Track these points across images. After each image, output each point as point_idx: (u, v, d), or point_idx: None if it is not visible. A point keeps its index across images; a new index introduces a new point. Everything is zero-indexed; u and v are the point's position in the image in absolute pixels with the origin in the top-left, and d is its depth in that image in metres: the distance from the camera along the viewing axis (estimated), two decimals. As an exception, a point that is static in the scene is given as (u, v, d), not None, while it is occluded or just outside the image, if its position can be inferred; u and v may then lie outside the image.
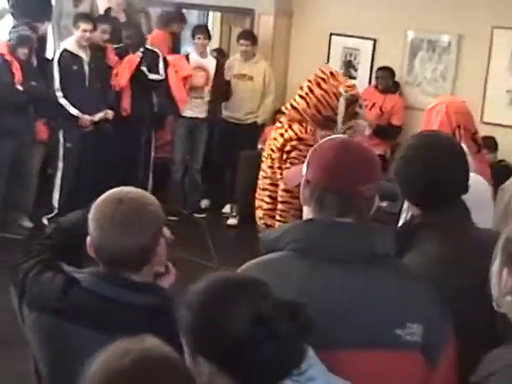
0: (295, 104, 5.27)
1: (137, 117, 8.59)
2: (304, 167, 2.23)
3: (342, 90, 5.32)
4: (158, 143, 9.32)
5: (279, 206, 5.23)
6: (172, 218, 8.13)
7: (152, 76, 8.63)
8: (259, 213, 5.41)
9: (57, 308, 2.30)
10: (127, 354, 1.61)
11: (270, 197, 5.33)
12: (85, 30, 8.02)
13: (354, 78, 9.21)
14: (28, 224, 7.98)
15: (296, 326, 1.72)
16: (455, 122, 4.08)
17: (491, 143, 7.64)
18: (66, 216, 2.78)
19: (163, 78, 8.71)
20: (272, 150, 5.27)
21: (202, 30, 9.13)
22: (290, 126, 5.22)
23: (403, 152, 2.64)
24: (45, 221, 7.96)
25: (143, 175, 8.87)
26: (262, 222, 5.34)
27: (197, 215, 9.09)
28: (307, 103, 5.25)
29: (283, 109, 5.44)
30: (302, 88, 5.34)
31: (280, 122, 5.40)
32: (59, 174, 8.15)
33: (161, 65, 8.72)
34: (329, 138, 2.29)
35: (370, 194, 2.14)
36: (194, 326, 1.79)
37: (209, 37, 9.05)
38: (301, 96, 5.27)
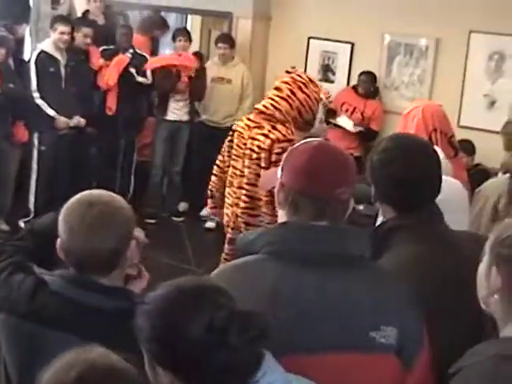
0: (277, 105, 5.24)
1: (121, 118, 8.59)
2: (279, 170, 2.22)
3: (322, 96, 5.41)
4: (136, 146, 9.31)
5: (267, 206, 5.11)
6: (149, 220, 8.13)
7: (140, 79, 8.64)
8: (236, 210, 5.28)
9: (25, 310, 2.30)
10: (74, 366, 1.60)
11: (247, 196, 5.24)
12: (62, 33, 8.00)
13: (332, 82, 9.25)
14: (4, 227, 7.93)
15: (248, 337, 1.70)
16: (431, 126, 4.09)
17: (468, 147, 7.68)
18: (40, 218, 2.77)
19: (150, 82, 8.73)
20: (252, 150, 5.19)
21: (183, 32, 9.12)
22: (273, 127, 5.18)
23: (378, 154, 2.64)
24: (21, 224, 7.92)
25: (125, 179, 8.87)
26: (241, 220, 5.21)
27: (175, 218, 9.08)
28: (290, 105, 5.26)
29: (261, 107, 5.31)
30: (279, 89, 5.29)
31: (253, 121, 5.29)
32: (34, 177, 8.12)
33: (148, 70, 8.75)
34: (304, 141, 2.27)
35: (345, 197, 2.13)
36: (152, 333, 1.79)
37: (189, 39, 9.04)
38: (282, 97, 5.25)
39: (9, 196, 8.09)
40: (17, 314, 2.31)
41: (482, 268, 1.98)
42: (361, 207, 7.43)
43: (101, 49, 8.75)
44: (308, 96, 5.30)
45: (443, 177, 2.67)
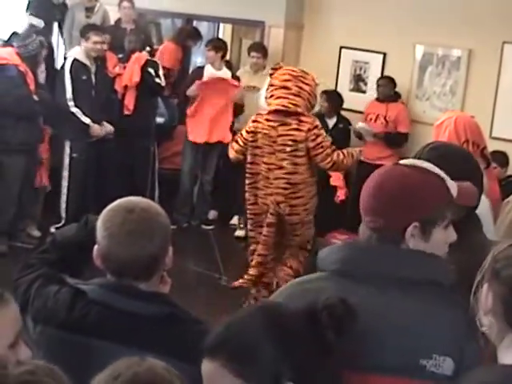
0: (294, 102, 6.10)
1: (140, 124, 8.64)
2: None
3: (317, 80, 6.38)
4: (166, 154, 9.34)
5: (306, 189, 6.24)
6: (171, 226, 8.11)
7: (157, 80, 8.68)
8: (277, 198, 6.15)
9: (64, 320, 2.30)
10: (118, 376, 1.60)
11: (288, 183, 6.14)
12: (96, 42, 8.06)
13: (364, 92, 9.23)
14: (36, 233, 7.99)
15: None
16: (464, 137, 4.07)
17: (502, 158, 7.62)
18: (61, 229, 2.79)
19: (164, 85, 8.77)
20: (286, 145, 6.11)
21: (214, 43, 9.07)
22: (299, 121, 6.11)
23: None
24: (53, 230, 7.95)
25: (150, 185, 8.89)
26: (285, 204, 6.16)
27: (205, 226, 9.09)
28: (302, 99, 6.14)
29: (282, 108, 6.12)
30: (286, 88, 6.13)
31: (274, 121, 6.15)
32: (65, 184, 8.16)
33: (161, 73, 8.76)
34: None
35: (376, 226, 2.09)
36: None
37: (217, 50, 8.99)
38: (294, 94, 6.11)
39: (40, 202, 8.16)
40: (56, 324, 2.31)
41: (483, 284, 1.91)
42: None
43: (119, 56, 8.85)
44: (310, 85, 6.22)
45: None
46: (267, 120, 6.21)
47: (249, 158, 6.27)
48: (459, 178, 2.57)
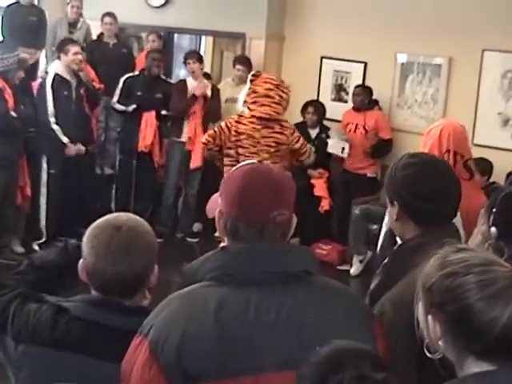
0: (277, 110, 6.80)
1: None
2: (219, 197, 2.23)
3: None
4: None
5: None
6: (157, 240, 8.08)
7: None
8: None
9: (48, 338, 2.28)
10: None
11: None
12: (76, 53, 8.00)
13: (345, 102, 9.25)
14: (20, 249, 7.92)
15: None
16: (445, 147, 4.05)
17: (484, 166, 7.56)
18: (39, 253, 2.78)
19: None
20: (269, 146, 6.79)
21: (193, 54, 9.07)
22: (281, 125, 6.90)
23: (400, 171, 2.63)
24: (35, 246, 7.90)
25: (146, 202, 8.95)
26: None
27: (189, 239, 9.06)
28: (282, 106, 6.85)
29: (266, 115, 6.76)
30: (269, 96, 6.77)
31: (258, 124, 6.80)
32: (44, 200, 8.03)
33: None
34: (239, 165, 2.28)
35: (282, 219, 2.11)
36: None
37: (200, 61, 9.03)
38: (276, 103, 6.79)
39: (23, 217, 8.10)
40: (39, 342, 2.29)
41: (420, 312, 1.93)
42: (374, 227, 7.43)
43: (125, 77, 8.80)
44: (287, 94, 6.89)
45: None
46: (251, 122, 6.85)
47: (232, 158, 6.81)
48: (436, 189, 2.58)
